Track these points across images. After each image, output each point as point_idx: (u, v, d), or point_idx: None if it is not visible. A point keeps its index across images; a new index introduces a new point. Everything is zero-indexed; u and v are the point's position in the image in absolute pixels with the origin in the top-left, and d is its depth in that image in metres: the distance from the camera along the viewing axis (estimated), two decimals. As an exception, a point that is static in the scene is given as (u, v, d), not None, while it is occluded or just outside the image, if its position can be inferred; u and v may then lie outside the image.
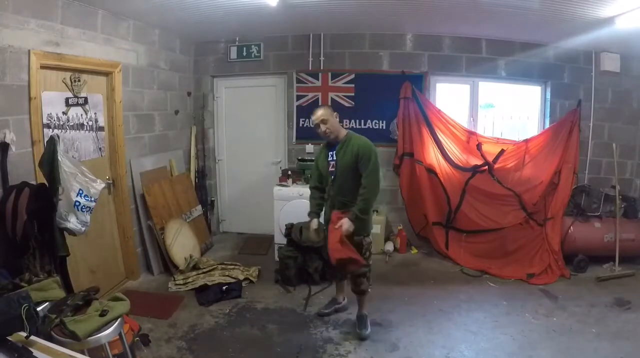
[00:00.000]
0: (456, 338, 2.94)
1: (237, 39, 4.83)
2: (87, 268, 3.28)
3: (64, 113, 3.09)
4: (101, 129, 3.51)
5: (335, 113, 2.93)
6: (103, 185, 2.69)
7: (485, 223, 4.33)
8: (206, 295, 3.48)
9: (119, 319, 1.98)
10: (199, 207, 4.78)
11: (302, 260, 3.77)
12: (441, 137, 4.47)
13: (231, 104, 5.16)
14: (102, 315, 1.91)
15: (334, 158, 2.87)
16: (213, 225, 5.22)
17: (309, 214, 3.10)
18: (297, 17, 3.88)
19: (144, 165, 4.03)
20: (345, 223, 2.72)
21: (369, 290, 3.02)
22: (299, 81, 4.82)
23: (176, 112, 4.62)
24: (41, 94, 2.81)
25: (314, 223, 3.04)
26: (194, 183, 4.85)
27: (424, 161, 4.48)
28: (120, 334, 2.03)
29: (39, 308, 1.80)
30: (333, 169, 2.89)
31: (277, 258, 4.06)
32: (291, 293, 3.65)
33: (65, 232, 2.51)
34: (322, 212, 3.08)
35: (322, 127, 2.85)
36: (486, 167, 4.33)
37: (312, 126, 3.00)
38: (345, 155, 2.81)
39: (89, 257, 3.30)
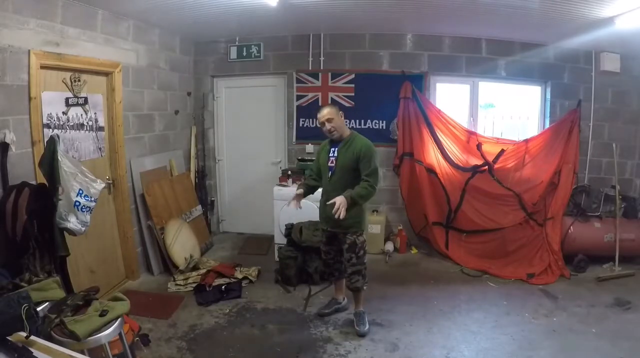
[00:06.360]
0: (456, 338, 2.94)
1: (237, 39, 4.83)
2: (87, 268, 3.28)
3: (64, 113, 3.09)
4: (101, 129, 3.51)
5: (341, 112, 2.97)
6: (103, 185, 2.68)
7: (485, 223, 4.33)
8: (206, 295, 3.48)
9: (119, 319, 1.98)
10: (199, 207, 4.79)
11: (302, 260, 3.78)
12: (441, 137, 4.47)
13: (231, 104, 5.16)
14: (102, 315, 1.91)
15: (335, 155, 2.92)
16: (213, 225, 5.22)
17: (297, 188, 3.19)
18: (297, 17, 3.88)
19: (144, 165, 4.03)
20: (339, 198, 2.64)
21: (364, 288, 3.03)
22: (299, 81, 4.82)
23: (176, 112, 4.62)
24: (41, 94, 2.81)
25: (297, 193, 3.08)
26: (194, 183, 4.85)
27: (423, 161, 4.49)
28: (120, 334, 2.03)
29: (39, 308, 1.81)
30: (332, 165, 2.93)
31: (277, 258, 4.06)
32: (291, 293, 3.65)
33: (65, 232, 2.50)
34: (310, 193, 3.19)
35: (327, 126, 2.90)
36: (486, 167, 4.33)
37: (318, 124, 3.00)
38: (347, 154, 2.86)
39: (89, 257, 3.30)
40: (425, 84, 4.65)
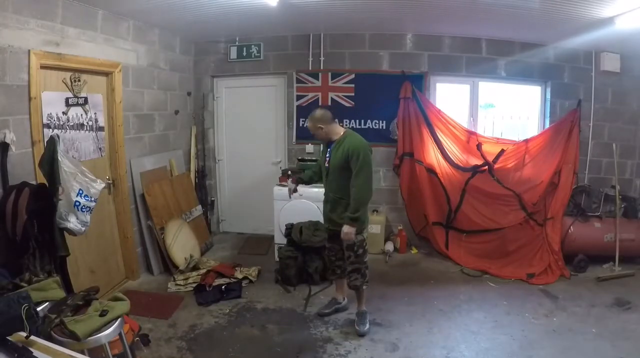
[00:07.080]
0: (456, 338, 2.94)
1: (237, 39, 4.83)
2: (87, 268, 3.28)
3: (64, 113, 3.09)
4: (101, 129, 3.51)
5: (321, 118, 2.91)
6: (103, 185, 2.69)
7: (485, 223, 4.33)
8: (206, 295, 3.48)
9: (119, 319, 1.98)
10: (199, 207, 4.78)
11: (302, 260, 3.78)
12: (441, 137, 4.47)
13: (231, 104, 5.16)
14: (102, 315, 1.91)
15: (329, 155, 2.96)
16: (213, 225, 5.22)
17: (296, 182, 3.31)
18: (297, 17, 3.88)
19: (144, 165, 4.03)
20: (345, 228, 2.83)
21: (364, 287, 3.03)
22: (299, 81, 4.82)
23: (176, 112, 4.62)
24: (41, 94, 2.81)
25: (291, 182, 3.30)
26: (194, 183, 4.85)
27: (424, 161, 4.48)
28: (120, 334, 2.03)
29: (39, 308, 1.81)
30: (327, 166, 2.97)
31: (277, 258, 4.06)
32: (291, 293, 3.65)
33: (65, 232, 2.51)
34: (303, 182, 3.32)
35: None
36: (486, 167, 4.33)
37: None
38: (337, 154, 2.88)
39: (89, 257, 3.30)
40: (425, 84, 4.65)
